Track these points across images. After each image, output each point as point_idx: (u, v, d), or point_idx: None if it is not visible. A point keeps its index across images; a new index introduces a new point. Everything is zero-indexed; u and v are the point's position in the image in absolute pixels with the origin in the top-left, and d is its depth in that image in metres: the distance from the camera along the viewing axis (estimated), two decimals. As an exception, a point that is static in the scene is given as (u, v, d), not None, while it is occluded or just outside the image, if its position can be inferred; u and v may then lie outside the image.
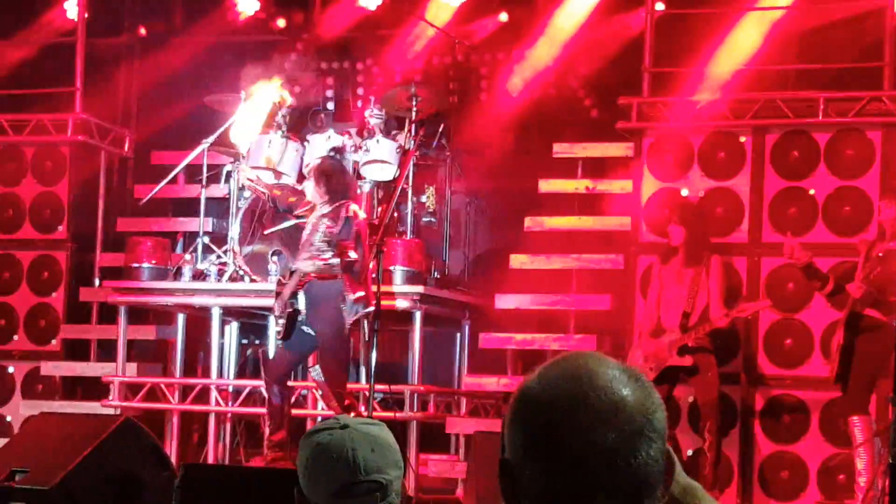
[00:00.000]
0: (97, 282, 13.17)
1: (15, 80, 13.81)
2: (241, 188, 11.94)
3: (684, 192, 11.51)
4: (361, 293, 9.88)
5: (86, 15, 13.39)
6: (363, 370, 11.59)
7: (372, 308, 9.63)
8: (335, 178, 10.24)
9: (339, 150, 11.63)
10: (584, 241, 12.08)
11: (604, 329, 11.76)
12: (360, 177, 11.78)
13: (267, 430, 10.37)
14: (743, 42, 11.60)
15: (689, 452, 10.71)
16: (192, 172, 12.76)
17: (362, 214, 10.30)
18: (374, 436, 3.44)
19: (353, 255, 9.88)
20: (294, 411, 11.24)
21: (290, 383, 10.71)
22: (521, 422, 2.18)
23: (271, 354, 11.10)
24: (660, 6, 12.04)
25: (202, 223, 11.99)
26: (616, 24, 12.61)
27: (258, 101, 11.61)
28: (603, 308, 11.77)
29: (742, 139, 11.43)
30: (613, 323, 11.68)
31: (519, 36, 13.01)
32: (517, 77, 12.21)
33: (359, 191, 11.70)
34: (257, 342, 12.76)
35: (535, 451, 2.15)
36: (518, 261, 12.02)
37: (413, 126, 11.73)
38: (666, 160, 11.62)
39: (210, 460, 11.67)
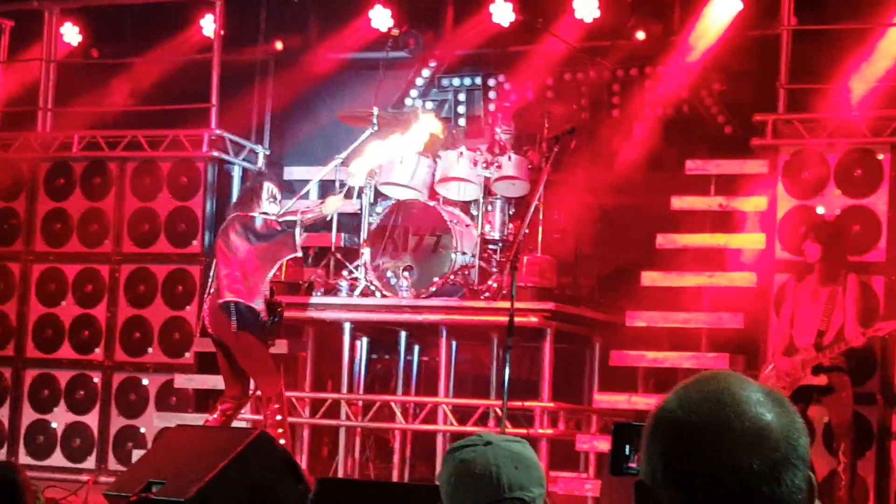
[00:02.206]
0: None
1: (152, 97, 14.04)
2: (373, 203, 12.01)
3: (820, 210, 11.36)
4: None
5: (222, 32, 13.56)
6: (494, 386, 11.58)
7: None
8: None
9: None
10: (717, 259, 11.97)
11: (736, 347, 11.64)
12: (490, 193, 11.79)
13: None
14: (881, 58, 11.42)
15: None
16: (325, 188, 12.88)
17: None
18: (518, 453, 3.43)
19: None
20: (423, 427, 11.31)
21: None
22: (660, 444, 2.14)
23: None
24: (796, 20, 11.89)
25: (334, 238, 12.06)
26: (751, 40, 12.48)
27: (416, 134, 11.60)
28: (736, 326, 11.64)
29: (880, 156, 11.25)
30: (746, 341, 11.56)
31: (653, 52, 12.92)
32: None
33: (489, 207, 11.72)
34: (387, 357, 12.81)
35: (675, 475, 2.12)
36: (650, 278, 11.94)
37: (545, 142, 11.72)
38: (801, 177, 11.47)
39: (340, 474, 11.73)
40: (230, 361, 10.55)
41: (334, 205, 10.80)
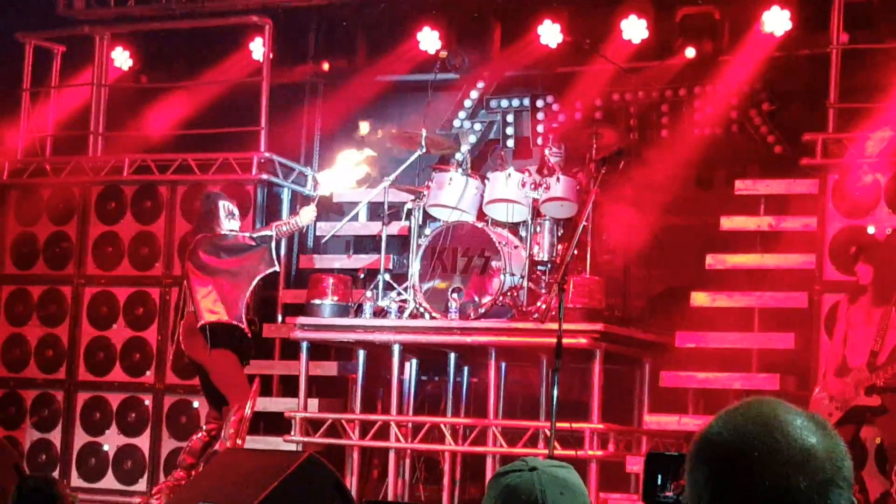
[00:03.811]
0: (280, 318, 13.36)
1: (202, 121, 14.12)
2: (422, 225, 12.05)
3: (870, 230, 11.29)
4: None
5: (271, 55, 13.64)
6: (544, 408, 11.56)
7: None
8: None
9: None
10: (767, 279, 11.92)
11: (787, 368, 11.59)
12: (539, 214, 11.79)
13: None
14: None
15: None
16: (374, 209, 12.92)
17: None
18: (563, 478, 3.42)
19: None
20: (473, 448, 11.32)
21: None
22: (707, 469, 2.18)
23: None
24: (845, 38, 11.84)
25: (383, 260, 12.10)
26: (801, 59, 12.44)
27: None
28: (786, 347, 11.59)
29: (930, 175, 11.19)
30: (797, 362, 11.51)
31: (701, 72, 12.89)
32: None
33: (538, 228, 11.74)
34: (437, 378, 12.81)
35: (723, 496, 2.14)
36: (699, 299, 11.90)
37: (593, 164, 11.71)
38: (851, 197, 11.41)
39: (390, 496, 11.74)
40: (209, 382, 10.72)
41: (308, 215, 11.13)
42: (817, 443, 2.16)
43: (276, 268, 11.13)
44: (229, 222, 10.91)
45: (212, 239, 10.78)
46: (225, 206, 10.99)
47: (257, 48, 13.93)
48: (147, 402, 13.56)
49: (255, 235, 10.94)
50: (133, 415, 13.60)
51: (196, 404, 13.33)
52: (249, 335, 10.79)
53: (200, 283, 10.61)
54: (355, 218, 12.90)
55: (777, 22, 12.30)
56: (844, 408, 10.31)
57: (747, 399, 2.22)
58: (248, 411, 10.76)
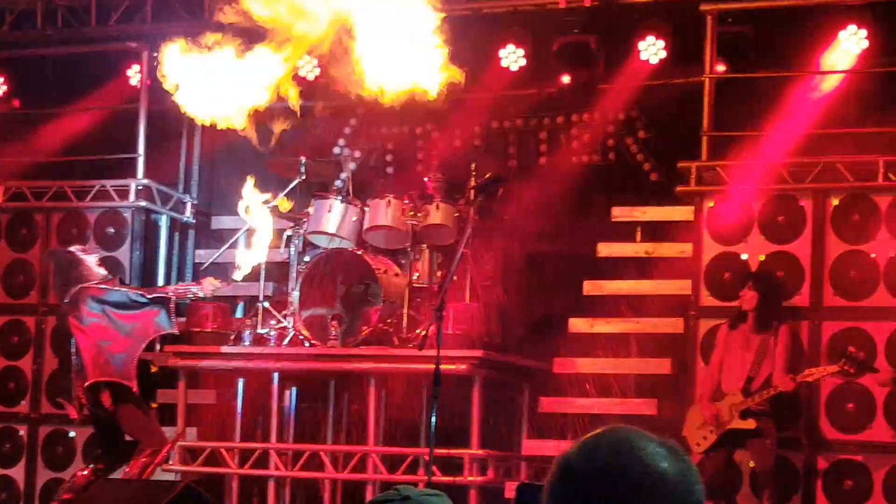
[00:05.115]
0: (158, 346, 13.22)
1: (78, 148, 13.96)
2: (301, 252, 12.02)
3: (744, 256, 11.47)
4: None
5: (148, 82, 13.54)
6: (424, 434, 11.58)
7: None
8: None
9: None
10: (644, 305, 12.06)
11: (664, 393, 11.72)
12: (419, 241, 11.82)
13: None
14: (802, 105, 11.59)
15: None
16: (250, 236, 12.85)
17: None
18: (435, 507, 3.43)
19: None
20: (353, 476, 11.29)
21: None
22: (563, 493, 2.26)
23: None
24: (720, 68, 12.03)
25: (262, 288, 12.05)
26: (675, 88, 12.60)
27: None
28: (663, 372, 11.73)
29: (802, 203, 11.38)
30: (673, 387, 11.64)
31: (579, 100, 13.02)
32: None
33: (417, 255, 11.77)
34: (317, 406, 12.76)
35: None
36: (577, 325, 12.01)
37: (472, 191, 11.77)
38: (726, 224, 11.58)
39: (269, 525, 11.67)
40: (103, 432, 10.60)
41: (210, 287, 10.76)
42: (669, 467, 2.24)
43: (175, 331, 10.86)
44: (101, 270, 10.64)
45: (94, 293, 10.40)
46: (90, 258, 10.68)
47: (135, 75, 13.82)
48: (22, 433, 13.35)
49: (151, 296, 10.63)
50: (8, 445, 13.38)
51: (73, 434, 13.16)
52: (136, 392, 10.46)
53: (84, 339, 10.31)
54: (235, 245, 12.82)
55: (652, 51, 12.47)
56: (718, 431, 10.46)
57: (605, 427, 2.29)
58: (162, 457, 10.56)
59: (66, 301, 10.47)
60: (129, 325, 10.41)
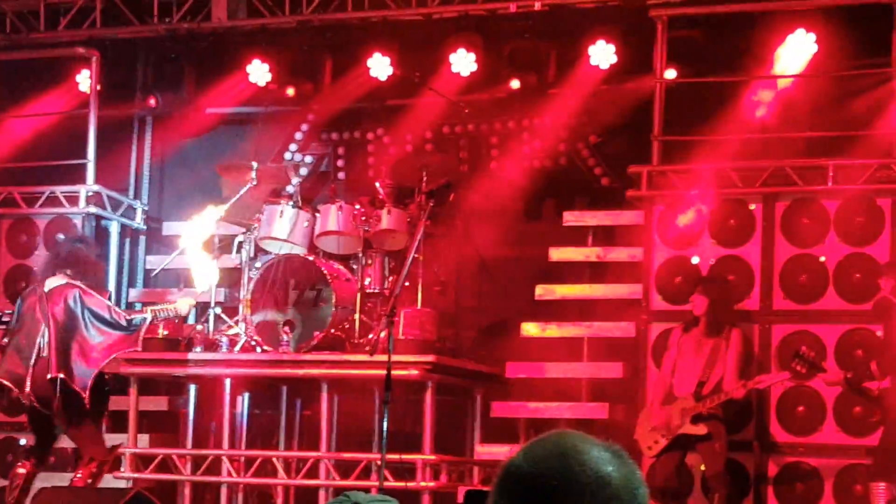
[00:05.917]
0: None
1: (28, 153, 13.88)
2: (253, 258, 12.00)
3: (695, 260, 11.52)
4: None
5: (98, 87, 13.48)
6: (376, 439, 11.57)
7: None
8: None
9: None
10: (596, 309, 12.09)
11: (616, 397, 11.76)
12: (371, 247, 11.82)
13: None
14: (752, 109, 11.66)
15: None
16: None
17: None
18: (384, 512, 3.44)
19: None
20: (305, 482, 11.26)
21: None
22: (508, 497, 2.28)
23: None
24: (670, 73, 12.08)
25: (213, 293, 12.01)
26: (626, 92, 12.65)
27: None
28: (615, 376, 11.77)
29: (752, 207, 11.44)
30: (625, 390, 11.67)
31: (529, 104, 13.06)
32: None
33: (369, 261, 11.77)
34: (269, 412, 12.74)
35: None
36: (529, 329, 12.03)
37: (424, 195, 11.77)
38: (676, 228, 11.62)
39: (222, 531, 11.64)
40: (43, 427, 10.53)
41: (185, 306, 10.86)
42: (613, 471, 2.27)
43: (139, 348, 10.82)
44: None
45: (84, 297, 10.34)
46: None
47: (84, 80, 13.75)
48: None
49: (131, 318, 10.55)
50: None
51: (23, 441, 13.06)
52: (88, 406, 10.38)
53: (57, 334, 10.23)
54: (184, 252, 12.76)
55: (603, 56, 12.50)
56: (670, 435, 10.50)
57: (550, 432, 2.32)
58: (105, 466, 10.51)
59: (44, 290, 10.41)
60: (100, 338, 10.37)
